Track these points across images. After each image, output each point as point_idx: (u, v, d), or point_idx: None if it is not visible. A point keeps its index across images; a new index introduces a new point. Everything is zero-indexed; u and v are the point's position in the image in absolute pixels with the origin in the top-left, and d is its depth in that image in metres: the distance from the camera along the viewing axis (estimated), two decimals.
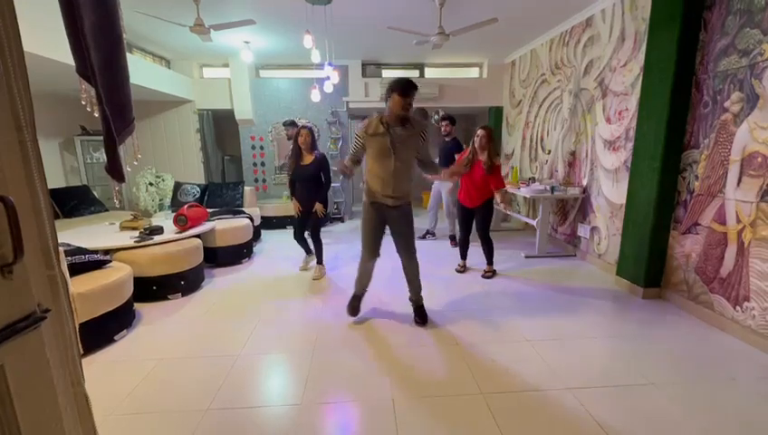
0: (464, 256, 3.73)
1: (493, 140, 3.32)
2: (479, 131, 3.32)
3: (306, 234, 3.73)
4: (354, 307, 2.69)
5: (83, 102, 1.14)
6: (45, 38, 2.89)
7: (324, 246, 3.74)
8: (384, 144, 2.31)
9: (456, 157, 3.57)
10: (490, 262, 3.60)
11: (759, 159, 2.29)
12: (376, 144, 2.33)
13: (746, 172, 2.37)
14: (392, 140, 2.31)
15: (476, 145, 3.32)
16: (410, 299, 2.74)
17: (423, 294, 2.71)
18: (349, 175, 2.51)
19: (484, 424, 1.70)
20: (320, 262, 3.68)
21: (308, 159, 3.47)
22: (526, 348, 2.33)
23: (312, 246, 3.73)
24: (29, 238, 0.75)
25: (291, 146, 4.76)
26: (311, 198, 3.49)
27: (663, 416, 1.74)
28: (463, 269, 3.72)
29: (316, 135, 6.24)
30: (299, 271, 3.77)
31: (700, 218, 2.70)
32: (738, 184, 2.42)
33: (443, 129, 4.57)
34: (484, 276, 3.57)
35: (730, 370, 2.09)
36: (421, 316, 2.65)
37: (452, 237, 4.76)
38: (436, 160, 2.87)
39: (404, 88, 2.23)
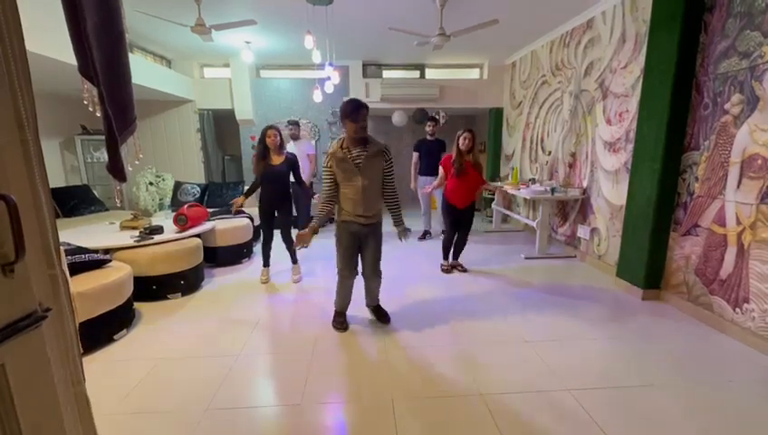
0: (447, 256, 3.81)
1: (475, 140, 3.48)
2: (465, 134, 3.40)
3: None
4: (341, 323, 2.62)
5: (85, 102, 1.15)
6: (47, 38, 2.90)
7: (322, 245, 3.73)
8: (348, 166, 2.33)
9: (443, 157, 3.62)
10: (458, 256, 3.84)
11: (759, 162, 2.29)
12: (342, 168, 2.34)
13: (746, 174, 2.37)
14: (354, 159, 2.33)
15: (462, 147, 3.40)
16: (368, 305, 2.78)
17: (424, 293, 2.78)
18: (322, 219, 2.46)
19: (484, 425, 1.70)
20: (295, 261, 3.60)
21: (277, 159, 3.33)
22: (526, 349, 2.33)
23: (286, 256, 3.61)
24: (30, 237, 0.75)
25: (293, 147, 4.78)
26: (281, 198, 3.41)
27: (662, 417, 1.74)
28: (449, 269, 3.77)
29: (315, 135, 6.32)
30: (260, 283, 3.49)
31: (700, 220, 2.70)
32: (738, 186, 2.42)
33: (429, 129, 4.82)
34: (461, 271, 3.77)
35: (729, 371, 2.09)
36: (385, 315, 2.70)
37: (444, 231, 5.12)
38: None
39: (353, 114, 2.25)
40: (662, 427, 1.68)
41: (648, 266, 3.00)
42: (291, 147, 4.75)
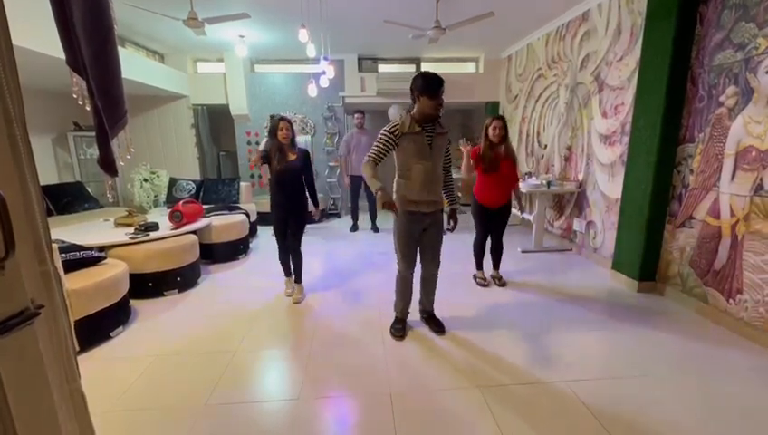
0: (480, 265, 3.30)
1: (507, 129, 3.06)
2: (495, 122, 2.97)
3: None
4: (399, 330, 2.43)
5: (75, 96, 1.13)
6: (36, 32, 2.84)
7: (321, 244, 3.67)
8: (422, 143, 2.14)
9: (472, 149, 3.11)
10: (498, 265, 3.33)
11: (753, 154, 2.30)
12: (412, 144, 2.14)
13: (740, 166, 2.38)
14: (429, 138, 2.16)
15: (493, 138, 2.97)
16: (422, 310, 2.58)
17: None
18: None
19: (481, 417, 1.71)
20: (298, 280, 3.05)
21: (291, 155, 2.87)
22: (522, 341, 2.34)
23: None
24: (21, 234, 0.74)
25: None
26: (297, 201, 2.93)
27: (658, 407, 1.76)
28: (485, 282, 3.25)
29: (311, 130, 6.28)
30: (286, 297, 3.07)
31: (695, 212, 2.72)
32: (732, 178, 2.44)
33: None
34: (500, 285, 3.22)
35: (724, 361, 2.12)
36: (438, 324, 2.51)
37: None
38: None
39: (432, 88, 2.06)
40: (657, 416, 1.70)
41: (643, 259, 3.02)
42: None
